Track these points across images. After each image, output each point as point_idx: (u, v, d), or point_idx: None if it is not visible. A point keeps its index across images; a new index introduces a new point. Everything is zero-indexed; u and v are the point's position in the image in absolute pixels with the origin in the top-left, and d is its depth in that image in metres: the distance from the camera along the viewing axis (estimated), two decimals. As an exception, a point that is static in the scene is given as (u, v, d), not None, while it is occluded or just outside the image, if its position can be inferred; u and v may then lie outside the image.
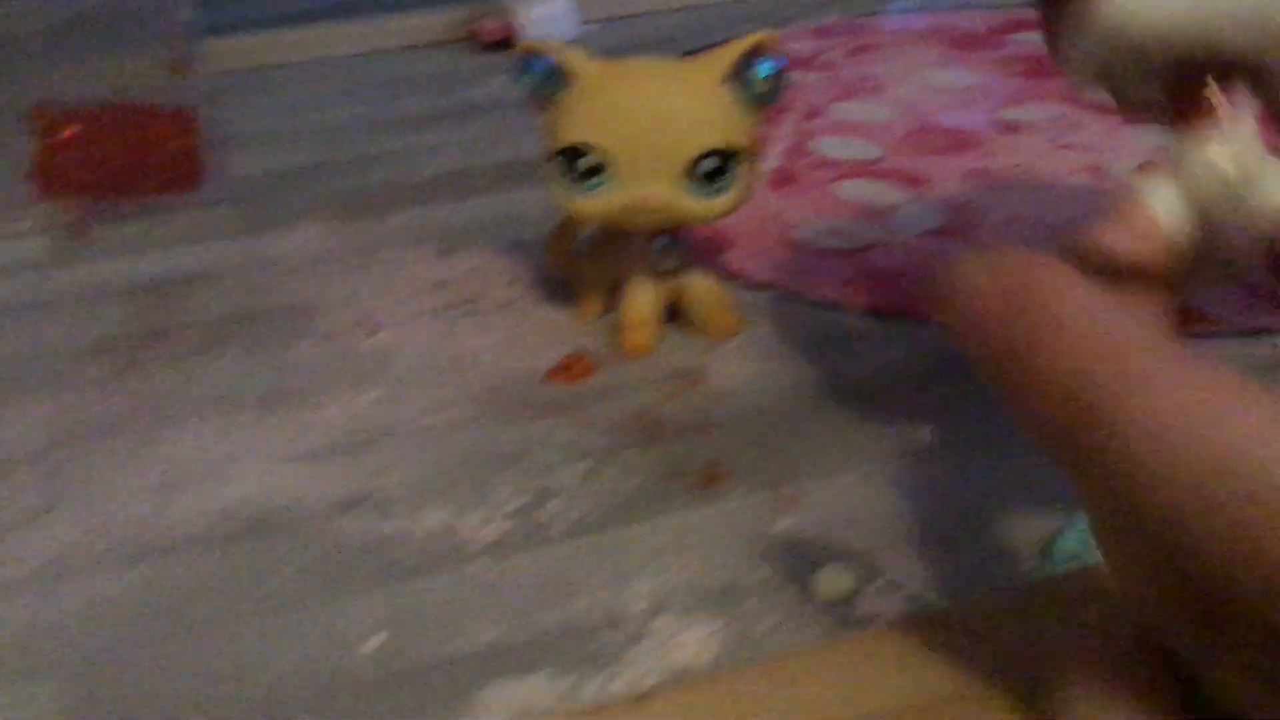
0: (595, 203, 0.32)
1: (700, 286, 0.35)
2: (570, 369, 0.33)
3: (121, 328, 0.37)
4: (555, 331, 0.36)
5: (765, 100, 0.32)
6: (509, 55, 0.54)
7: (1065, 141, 0.45)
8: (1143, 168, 0.21)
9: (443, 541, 0.28)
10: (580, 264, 0.36)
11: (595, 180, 0.32)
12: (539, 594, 0.26)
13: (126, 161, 0.44)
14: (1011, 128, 0.46)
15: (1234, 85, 0.20)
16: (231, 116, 0.46)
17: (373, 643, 0.25)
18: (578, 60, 0.33)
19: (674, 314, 0.35)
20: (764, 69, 0.32)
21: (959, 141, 0.45)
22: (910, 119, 0.47)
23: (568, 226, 0.37)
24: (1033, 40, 0.40)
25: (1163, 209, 0.20)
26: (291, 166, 0.47)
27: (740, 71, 0.32)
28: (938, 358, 0.33)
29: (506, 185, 0.45)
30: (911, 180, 0.43)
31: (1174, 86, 0.20)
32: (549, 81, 0.33)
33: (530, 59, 0.33)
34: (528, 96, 0.33)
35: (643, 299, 0.35)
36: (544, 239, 0.38)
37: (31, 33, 0.45)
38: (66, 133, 0.45)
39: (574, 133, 0.32)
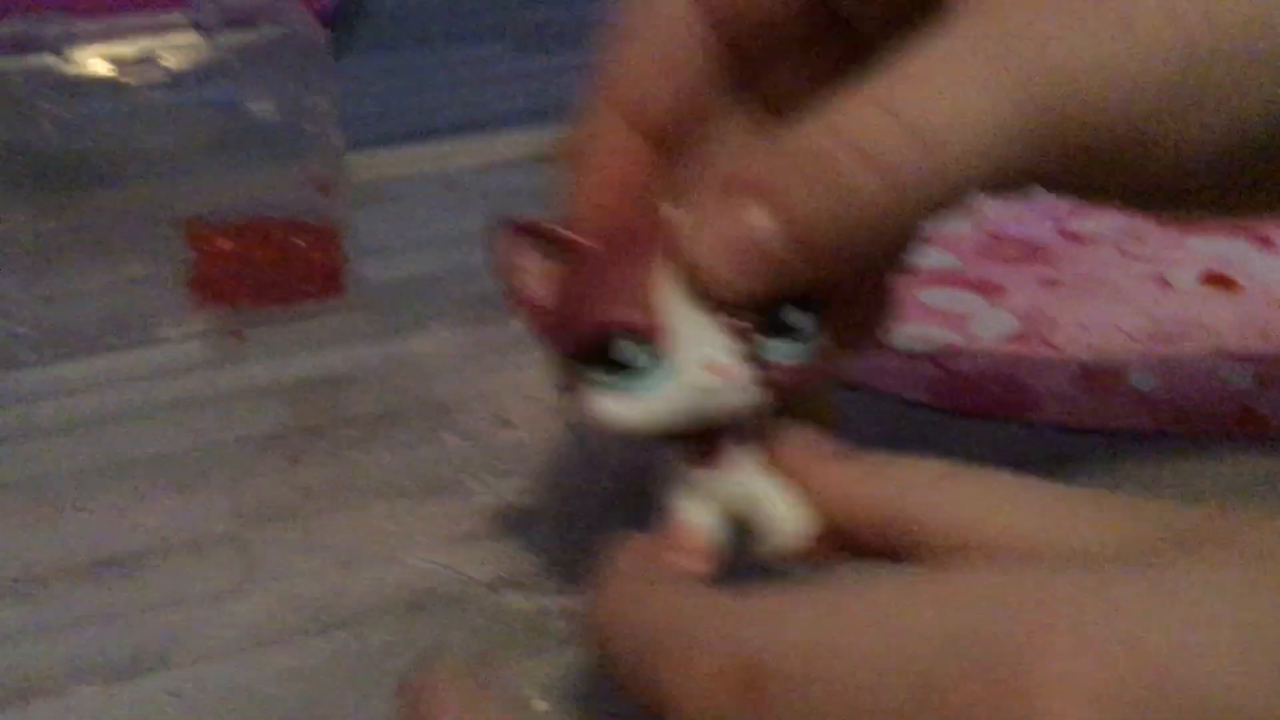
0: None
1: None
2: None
3: (283, 423, 0.41)
4: (674, 428, 0.40)
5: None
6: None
7: (1130, 251, 0.49)
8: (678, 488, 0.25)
9: (591, 615, 0.31)
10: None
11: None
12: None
13: (274, 272, 0.49)
14: (1077, 238, 0.50)
15: (724, 439, 0.24)
16: (366, 227, 0.51)
17: (541, 706, 0.29)
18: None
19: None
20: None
21: (1029, 251, 0.49)
22: (981, 229, 0.51)
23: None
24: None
25: (699, 524, 0.24)
26: (421, 274, 0.52)
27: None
28: (1019, 455, 0.37)
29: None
30: (987, 288, 0.47)
31: (678, 444, 0.24)
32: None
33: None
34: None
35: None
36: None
37: (187, 148, 0.50)
38: (219, 245, 0.50)
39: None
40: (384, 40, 0.67)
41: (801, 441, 0.24)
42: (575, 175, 0.27)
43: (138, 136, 0.49)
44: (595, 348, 0.23)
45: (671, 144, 0.27)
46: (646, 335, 0.22)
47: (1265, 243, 0.49)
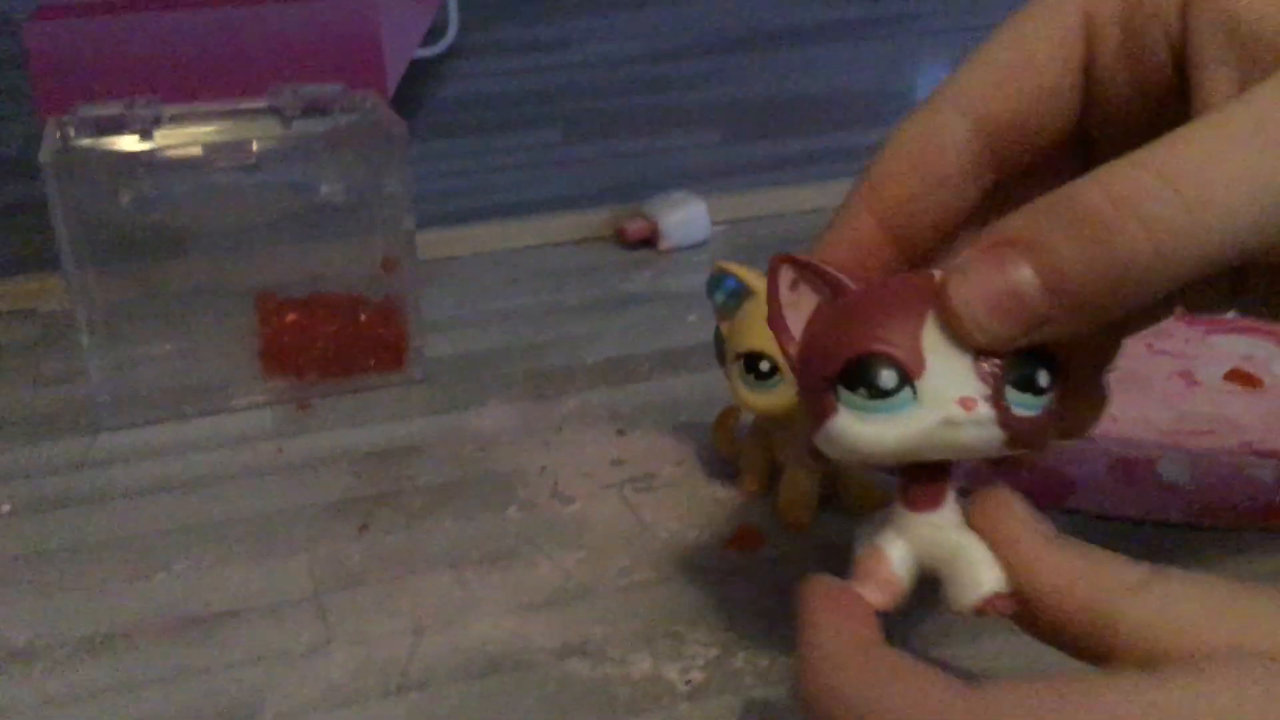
0: (768, 399, 0.39)
1: (850, 470, 0.41)
2: (745, 539, 0.39)
3: (352, 491, 0.43)
4: (724, 507, 0.42)
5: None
6: (663, 254, 0.62)
7: (1158, 347, 0.51)
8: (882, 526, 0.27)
9: (652, 686, 0.33)
10: (743, 446, 0.43)
11: (770, 381, 0.38)
12: (741, 731, 0.31)
13: (340, 345, 0.51)
14: (1108, 332, 0.52)
15: (948, 484, 0.26)
16: (425, 303, 0.53)
17: (606, 767, 0.30)
18: (757, 279, 0.39)
19: (826, 496, 0.41)
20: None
21: (1062, 344, 0.51)
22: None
23: (731, 412, 0.44)
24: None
25: (897, 562, 0.26)
26: (477, 350, 0.54)
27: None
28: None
29: (663, 373, 0.52)
30: (1022, 379, 0.49)
31: (902, 475, 0.26)
32: (734, 296, 0.40)
33: (720, 277, 0.40)
34: (716, 308, 0.40)
35: (798, 481, 0.41)
36: (713, 422, 0.44)
37: (261, 226, 0.53)
38: (288, 318, 0.52)
39: (755, 341, 0.38)
40: (441, 127, 0.71)
41: (1011, 509, 0.25)
42: (820, 242, 0.29)
43: (216, 214, 0.51)
44: (855, 369, 0.25)
45: (912, 252, 0.29)
46: (905, 363, 0.24)
47: (1288, 341, 0.51)
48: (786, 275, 0.27)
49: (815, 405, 0.26)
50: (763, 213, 0.69)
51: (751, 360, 0.38)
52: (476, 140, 0.71)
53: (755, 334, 0.38)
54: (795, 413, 0.39)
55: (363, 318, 0.52)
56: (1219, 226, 0.22)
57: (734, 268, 0.40)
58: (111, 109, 0.50)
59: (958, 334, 0.24)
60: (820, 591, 0.25)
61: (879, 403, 0.24)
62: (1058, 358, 0.25)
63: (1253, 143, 0.23)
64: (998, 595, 0.24)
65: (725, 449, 0.44)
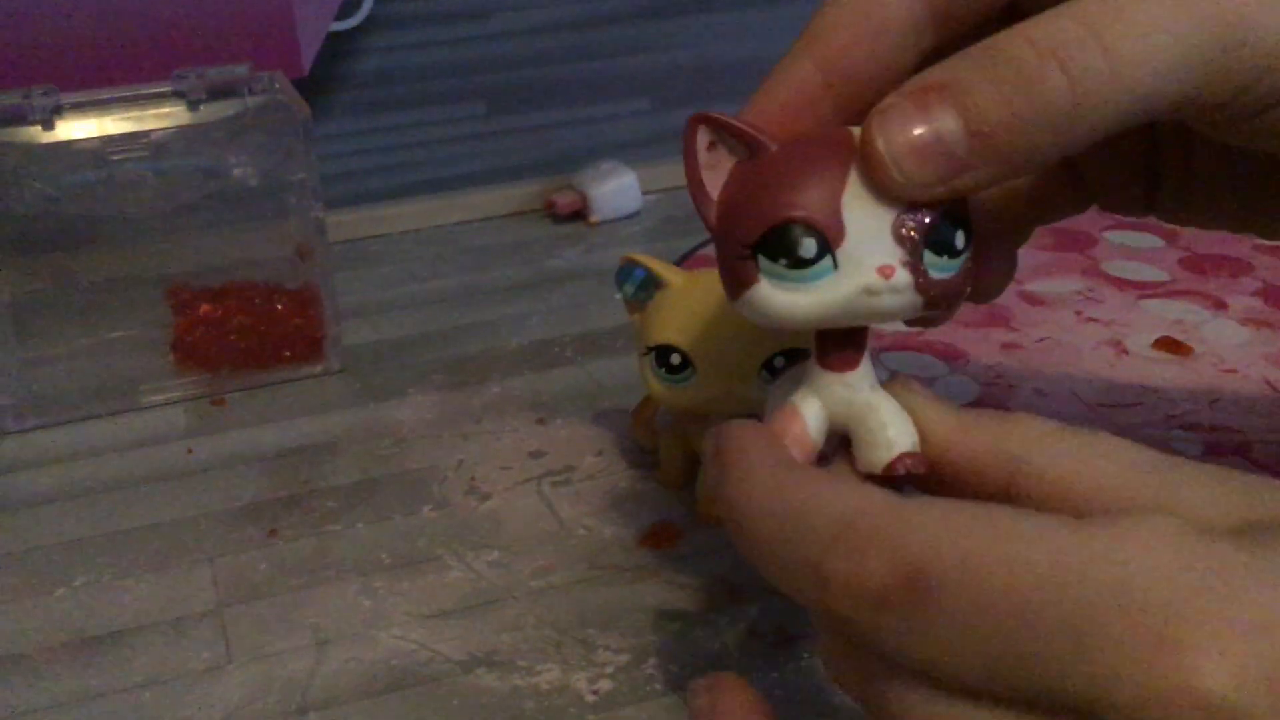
0: (680, 394, 0.38)
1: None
2: (660, 535, 0.38)
3: (263, 494, 0.42)
4: (643, 500, 0.41)
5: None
6: (592, 227, 0.61)
7: (1088, 315, 0.50)
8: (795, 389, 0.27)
9: (560, 696, 0.32)
10: (661, 436, 0.42)
11: (681, 375, 0.37)
12: (647, 743, 0.31)
13: (255, 337, 0.50)
14: (1037, 300, 0.52)
15: (863, 347, 0.26)
16: (344, 287, 0.52)
17: (509, 785, 0.30)
18: (666, 270, 0.38)
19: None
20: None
21: (991, 315, 0.51)
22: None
23: (649, 402, 0.43)
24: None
25: (811, 420, 0.26)
26: (396, 337, 0.53)
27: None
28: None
29: (588, 356, 0.51)
30: (950, 353, 0.48)
31: (819, 336, 0.26)
32: (644, 287, 0.38)
33: (629, 268, 0.39)
34: (626, 299, 0.39)
35: (718, 470, 0.40)
36: (631, 412, 0.43)
37: (170, 214, 0.51)
38: (201, 310, 0.51)
39: (665, 334, 0.37)
40: (361, 103, 0.69)
41: (920, 386, 0.26)
42: (757, 94, 0.28)
43: (123, 204, 0.50)
44: (774, 238, 0.24)
45: (849, 108, 0.28)
46: (825, 231, 0.24)
47: (1218, 305, 0.50)
48: (703, 136, 0.26)
49: (735, 273, 0.25)
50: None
51: (663, 354, 0.37)
52: (399, 115, 0.69)
53: (666, 326, 0.37)
54: (709, 407, 0.38)
55: (279, 307, 0.51)
56: (1142, 86, 0.23)
57: (642, 258, 0.39)
58: (9, 99, 0.48)
59: (877, 181, 0.24)
60: (735, 427, 0.25)
61: (799, 272, 0.24)
62: (971, 221, 0.25)
63: (1181, 6, 0.23)
64: (909, 454, 0.25)
65: (644, 439, 0.43)
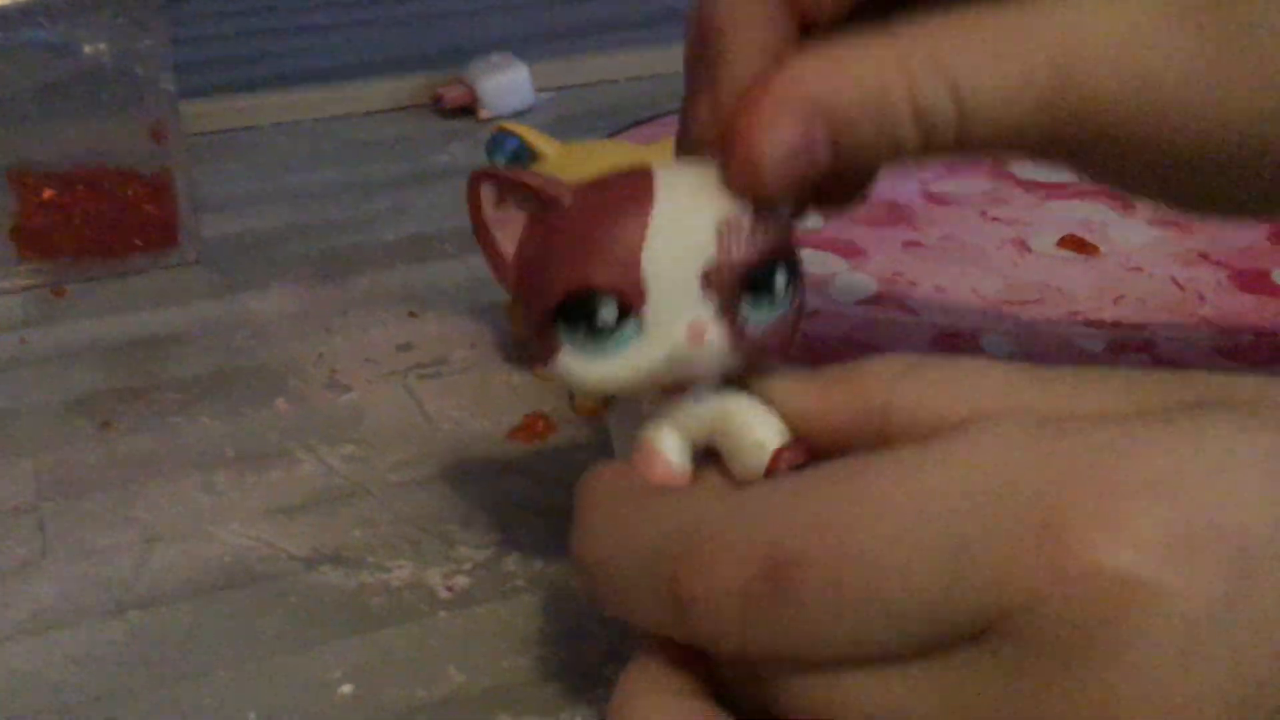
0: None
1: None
2: (531, 429, 0.36)
3: (100, 387, 0.39)
4: (516, 393, 0.38)
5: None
6: (482, 123, 0.57)
7: (993, 214, 0.48)
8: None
9: (411, 593, 0.30)
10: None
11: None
12: (501, 643, 0.28)
13: (103, 224, 0.46)
14: (941, 200, 0.50)
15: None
16: (203, 179, 0.48)
17: (346, 689, 0.27)
18: (542, 141, 0.35)
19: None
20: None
21: (893, 214, 0.48)
22: (850, 190, 0.50)
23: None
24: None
25: (671, 453, 0.23)
26: (262, 229, 0.49)
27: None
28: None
29: (468, 250, 0.47)
30: (849, 251, 0.46)
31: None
32: (516, 159, 0.35)
33: (501, 138, 0.36)
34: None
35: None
36: (505, 304, 0.40)
37: (10, 96, 0.47)
38: (45, 195, 0.46)
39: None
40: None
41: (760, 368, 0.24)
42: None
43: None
44: (570, 306, 0.22)
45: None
46: (625, 295, 0.21)
47: (1126, 206, 0.49)
48: (489, 194, 0.23)
49: (538, 339, 0.23)
50: (592, 79, 0.64)
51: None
52: (275, -3, 0.64)
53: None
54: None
55: (130, 193, 0.47)
56: (984, 131, 0.22)
57: (516, 127, 0.36)
58: None
59: (739, 180, 0.22)
60: (591, 474, 0.23)
61: (600, 341, 0.22)
62: (798, 255, 0.23)
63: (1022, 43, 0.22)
64: (784, 448, 0.22)
65: (519, 330, 0.40)
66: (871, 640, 0.18)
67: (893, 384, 0.21)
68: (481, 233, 0.23)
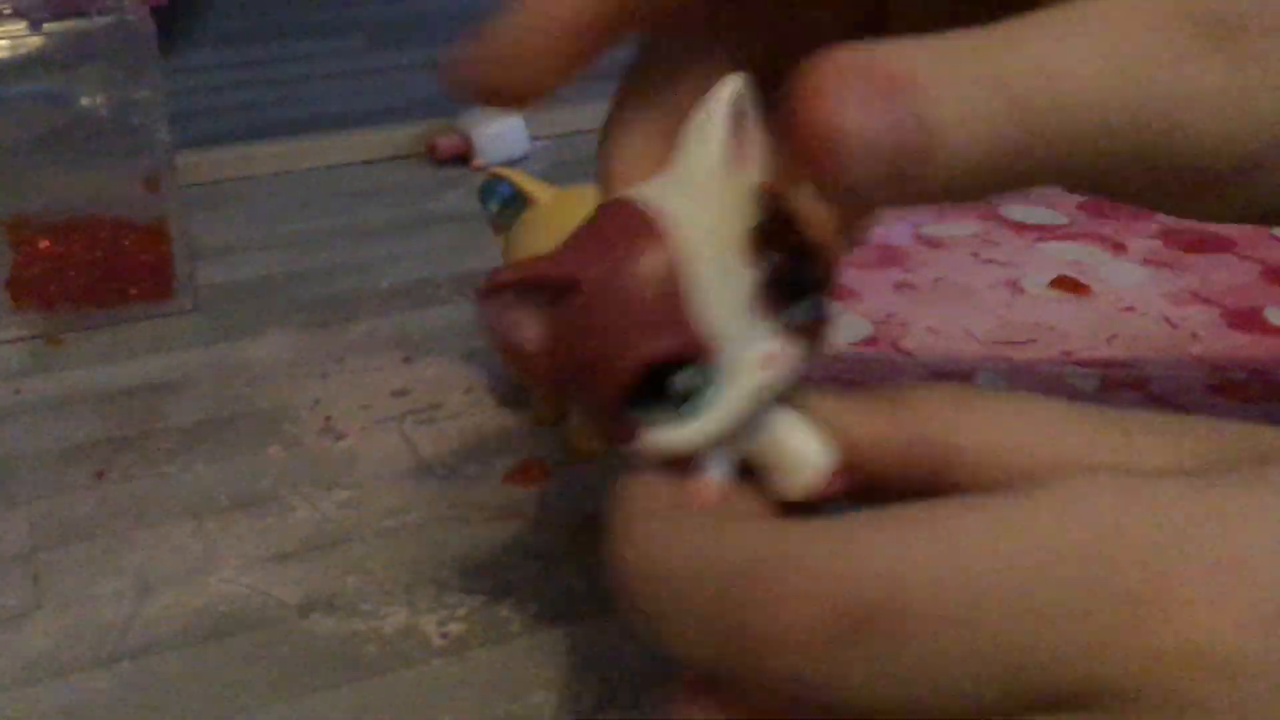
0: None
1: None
2: (526, 473, 0.36)
3: (96, 435, 0.39)
4: (510, 437, 0.38)
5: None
6: (476, 172, 0.57)
7: (985, 256, 0.48)
8: None
9: (405, 640, 0.30)
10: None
11: (549, 298, 0.34)
12: (496, 690, 0.28)
13: (99, 273, 0.46)
14: (934, 243, 0.50)
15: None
16: (200, 228, 0.48)
17: (341, 736, 0.27)
18: (534, 186, 0.35)
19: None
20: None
21: (886, 256, 0.49)
22: (842, 233, 0.51)
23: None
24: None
25: (715, 473, 0.22)
26: (258, 276, 0.49)
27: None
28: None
29: (463, 295, 0.48)
30: (843, 294, 0.46)
31: None
32: (509, 205, 0.36)
33: (493, 184, 0.36)
34: (490, 219, 0.36)
35: (593, 406, 0.37)
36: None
37: (7, 146, 0.47)
38: (41, 245, 0.47)
39: (534, 255, 0.34)
40: (231, 33, 0.64)
41: (810, 382, 0.22)
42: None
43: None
44: (644, 389, 0.20)
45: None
46: (696, 352, 0.20)
47: (1118, 248, 0.49)
48: (504, 299, 0.21)
49: (609, 427, 0.21)
50: (587, 126, 0.65)
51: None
52: (274, 48, 0.64)
53: (533, 247, 0.35)
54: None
55: (126, 243, 0.47)
56: (957, 169, 0.19)
57: (508, 172, 0.36)
58: None
59: (818, 172, 0.18)
60: (629, 482, 0.21)
61: (684, 407, 0.20)
62: (803, 236, 0.21)
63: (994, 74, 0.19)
64: (828, 472, 0.21)
65: (516, 375, 0.40)
66: (953, 695, 0.17)
67: (955, 419, 0.20)
68: (504, 347, 0.21)
